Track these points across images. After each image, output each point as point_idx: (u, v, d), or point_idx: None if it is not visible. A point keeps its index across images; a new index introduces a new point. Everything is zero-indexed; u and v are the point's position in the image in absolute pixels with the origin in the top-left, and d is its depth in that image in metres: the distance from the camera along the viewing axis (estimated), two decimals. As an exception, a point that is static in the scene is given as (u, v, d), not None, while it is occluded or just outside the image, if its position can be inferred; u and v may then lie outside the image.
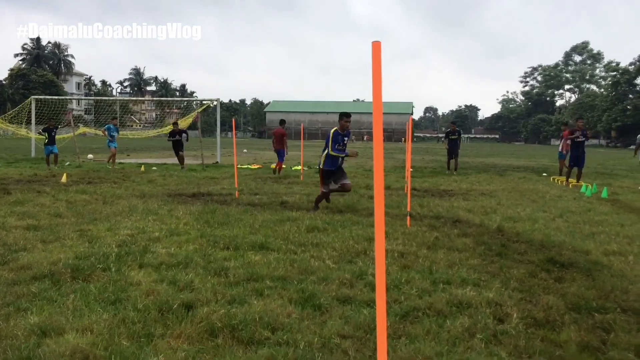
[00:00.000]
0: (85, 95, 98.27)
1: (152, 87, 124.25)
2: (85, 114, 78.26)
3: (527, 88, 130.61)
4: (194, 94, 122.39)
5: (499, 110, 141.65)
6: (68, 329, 3.61)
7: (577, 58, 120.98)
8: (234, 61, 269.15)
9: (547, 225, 8.04)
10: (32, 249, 5.95)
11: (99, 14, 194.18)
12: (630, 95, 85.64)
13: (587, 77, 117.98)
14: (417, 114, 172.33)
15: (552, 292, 4.65)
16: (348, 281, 4.84)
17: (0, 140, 49.23)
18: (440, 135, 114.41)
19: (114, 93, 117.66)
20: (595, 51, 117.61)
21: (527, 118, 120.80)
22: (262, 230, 7.19)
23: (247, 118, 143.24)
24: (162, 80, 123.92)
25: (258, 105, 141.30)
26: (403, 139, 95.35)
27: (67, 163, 20.37)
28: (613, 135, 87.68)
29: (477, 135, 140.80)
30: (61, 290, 4.51)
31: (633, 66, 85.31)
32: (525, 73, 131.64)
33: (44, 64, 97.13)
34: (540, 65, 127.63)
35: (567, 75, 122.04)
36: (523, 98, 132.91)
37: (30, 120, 26.47)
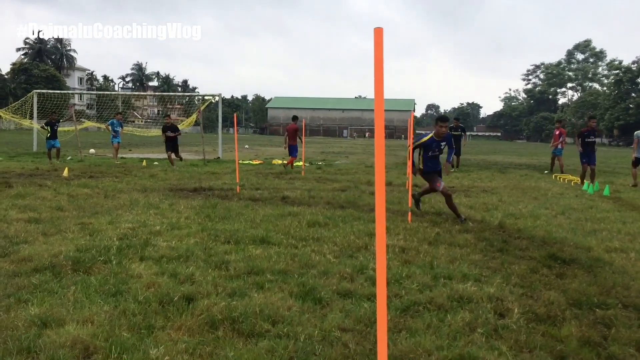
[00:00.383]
0: (87, 91, 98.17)
1: (154, 83, 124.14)
2: (87, 109, 78.28)
3: (529, 86, 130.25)
4: (196, 90, 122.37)
5: (501, 108, 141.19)
6: (68, 320, 3.61)
7: (580, 56, 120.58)
8: (236, 57, 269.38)
9: (548, 222, 8.02)
10: (33, 241, 5.96)
11: (99, 12, 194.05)
12: (633, 94, 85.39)
13: (590, 76, 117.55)
14: (419, 111, 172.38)
15: (553, 288, 4.64)
16: (349, 275, 4.84)
17: (3, 134, 49.27)
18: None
19: (116, 88, 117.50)
20: (597, 49, 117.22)
21: (530, 116, 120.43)
22: (263, 225, 7.19)
23: (249, 114, 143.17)
24: (164, 76, 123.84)
25: (260, 101, 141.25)
26: (403, 136, 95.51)
27: (69, 157, 20.38)
28: (615, 133, 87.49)
29: (479, 133, 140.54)
30: (62, 282, 4.51)
31: (636, 64, 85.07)
32: (528, 71, 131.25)
33: (46, 59, 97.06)
34: (542, 63, 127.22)
35: (570, 73, 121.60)
36: (525, 96, 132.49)
37: (33, 114, 26.48)
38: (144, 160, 19.30)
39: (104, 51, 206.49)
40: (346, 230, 6.90)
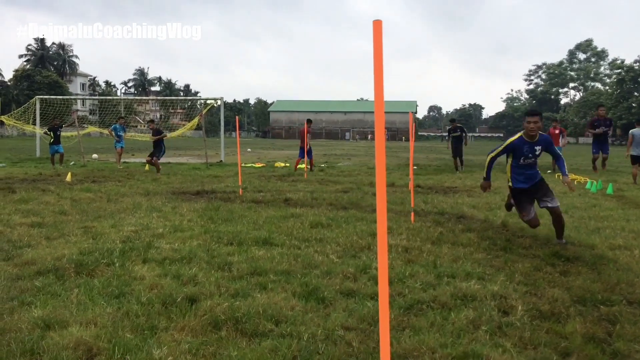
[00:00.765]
0: (90, 96, 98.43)
1: (157, 88, 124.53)
2: (90, 114, 78.42)
3: (531, 86, 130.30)
4: (198, 94, 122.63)
5: (504, 108, 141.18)
6: (72, 322, 3.61)
7: (582, 56, 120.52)
8: (238, 61, 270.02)
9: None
10: (36, 245, 5.97)
11: (99, 13, 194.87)
12: (636, 93, 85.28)
13: (592, 75, 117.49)
14: (421, 113, 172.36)
15: (557, 286, 4.62)
16: (352, 275, 4.83)
17: (6, 140, 49.42)
18: (444, 134, 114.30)
19: (119, 93, 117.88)
20: (599, 49, 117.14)
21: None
22: (265, 226, 7.18)
23: (251, 118, 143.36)
24: (166, 81, 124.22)
25: (262, 105, 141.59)
26: (404, 137, 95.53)
27: (72, 163, 20.43)
28: (618, 132, 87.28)
29: (482, 134, 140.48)
30: (65, 284, 4.51)
31: (638, 63, 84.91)
32: (530, 71, 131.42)
33: (49, 65, 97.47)
34: (544, 64, 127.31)
35: (572, 73, 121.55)
36: (527, 96, 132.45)
37: (35, 120, 26.56)
38: (147, 165, 19.32)
39: (106, 57, 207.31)
40: (349, 231, 6.89)
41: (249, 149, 38.77)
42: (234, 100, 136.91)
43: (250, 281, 4.65)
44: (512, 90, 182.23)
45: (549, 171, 18.61)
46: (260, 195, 10.86)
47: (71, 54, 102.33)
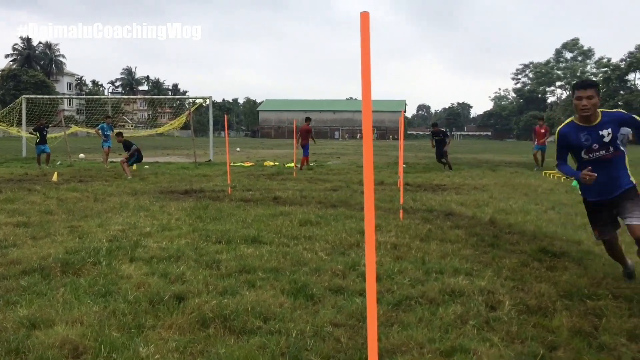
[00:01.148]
0: (77, 96, 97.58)
1: (144, 87, 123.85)
2: (76, 114, 77.85)
3: (518, 85, 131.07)
4: (187, 93, 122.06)
5: (491, 107, 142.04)
6: (58, 321, 3.57)
7: (568, 55, 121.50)
8: (227, 60, 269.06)
9: (539, 217, 8.05)
10: (22, 244, 5.90)
11: (98, 14, 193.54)
12: (622, 92, 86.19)
13: (578, 74, 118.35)
14: (410, 112, 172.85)
15: (544, 281, 4.65)
16: (340, 272, 4.83)
17: (-9, 141, 48.89)
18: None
19: (106, 93, 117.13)
20: (585, 48, 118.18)
21: (519, 115, 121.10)
22: (254, 225, 7.16)
23: (240, 117, 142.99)
24: (154, 80, 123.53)
25: (251, 104, 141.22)
26: (391, 136, 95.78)
27: (59, 162, 20.24)
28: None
29: (470, 133, 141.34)
30: (51, 284, 4.47)
31: (624, 62, 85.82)
32: (517, 70, 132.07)
33: (35, 65, 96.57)
34: (531, 63, 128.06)
35: (559, 72, 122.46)
36: (515, 95, 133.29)
37: (22, 120, 26.28)
38: (134, 164, 19.18)
39: (93, 56, 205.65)
40: (338, 229, 6.89)
41: (238, 148, 38.66)
42: (223, 100, 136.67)
43: (239, 279, 4.63)
44: (499, 89, 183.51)
45: (535, 169, 18.77)
46: (249, 193, 10.83)
47: (58, 53, 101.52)
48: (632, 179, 4.51)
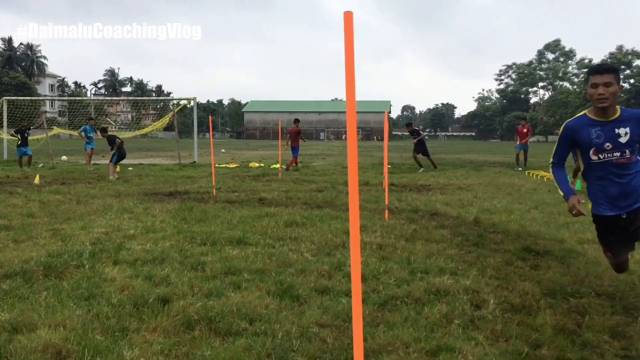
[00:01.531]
0: (59, 97, 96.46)
1: (128, 88, 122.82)
2: (59, 116, 76.89)
3: (502, 86, 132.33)
4: (171, 95, 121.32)
5: (475, 108, 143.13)
6: (40, 325, 3.52)
7: (550, 56, 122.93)
8: (211, 61, 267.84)
9: (522, 216, 8.13)
10: (3, 248, 5.81)
11: (71, 17, 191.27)
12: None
13: (560, 75, 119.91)
14: (395, 113, 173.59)
15: (528, 279, 4.70)
16: (326, 272, 4.83)
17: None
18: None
19: (88, 94, 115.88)
20: (567, 49, 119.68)
21: (503, 115, 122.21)
22: (240, 226, 7.13)
23: (225, 118, 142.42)
24: (137, 81, 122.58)
25: (236, 105, 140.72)
26: (376, 137, 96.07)
27: (41, 165, 19.99)
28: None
29: (454, 133, 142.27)
30: (33, 287, 4.41)
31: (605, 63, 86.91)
32: (500, 71, 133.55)
33: (16, 66, 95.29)
34: (514, 63, 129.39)
35: (541, 72, 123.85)
36: (498, 96, 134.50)
37: (2, 122, 25.90)
38: (118, 166, 19.02)
39: (75, 57, 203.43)
40: (323, 229, 6.89)
41: (222, 150, 38.48)
42: (208, 101, 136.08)
43: (224, 281, 4.61)
44: (483, 89, 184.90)
45: (520, 169, 18.95)
46: (234, 195, 10.79)
47: (39, 54, 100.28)
48: None
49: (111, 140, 15.30)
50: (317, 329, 3.52)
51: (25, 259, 5.17)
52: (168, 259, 5.31)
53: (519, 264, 5.22)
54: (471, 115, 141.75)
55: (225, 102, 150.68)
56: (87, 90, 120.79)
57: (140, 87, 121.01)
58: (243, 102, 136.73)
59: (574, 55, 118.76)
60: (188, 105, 30.41)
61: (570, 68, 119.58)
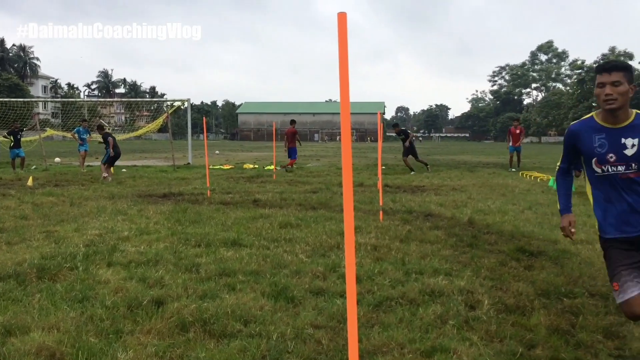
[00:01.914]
0: (52, 99, 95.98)
1: (121, 90, 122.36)
2: (52, 117, 76.51)
3: (495, 87, 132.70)
4: (165, 96, 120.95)
5: (469, 109, 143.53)
6: (34, 328, 3.51)
7: (543, 57, 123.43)
8: (205, 63, 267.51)
9: (516, 217, 8.16)
10: (-4, 250, 5.78)
11: (64, 18, 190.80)
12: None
13: (553, 76, 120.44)
14: (389, 114, 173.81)
15: (522, 280, 4.72)
16: (321, 274, 4.83)
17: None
18: (416, 135, 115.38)
19: (82, 96, 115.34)
20: (560, 50, 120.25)
21: (496, 116, 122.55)
22: (234, 228, 7.12)
23: (219, 120, 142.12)
24: (131, 83, 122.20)
25: (230, 106, 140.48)
26: (370, 138, 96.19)
27: (34, 167, 19.88)
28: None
29: (448, 134, 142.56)
30: (26, 290, 4.38)
31: (598, 64, 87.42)
32: (494, 72, 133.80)
33: (9, 67, 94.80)
34: (507, 65, 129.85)
35: (534, 74, 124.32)
36: (492, 97, 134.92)
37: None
38: (111, 167, 18.94)
39: (68, 58, 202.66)
40: (318, 231, 6.89)
41: (217, 151, 38.41)
42: (202, 102, 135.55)
43: (219, 282, 4.60)
44: (476, 91, 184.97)
45: (513, 169, 19.01)
46: (228, 196, 10.78)
47: (32, 55, 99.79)
48: None
49: (105, 137, 15.24)
50: (312, 330, 3.52)
51: (19, 262, 5.14)
52: (162, 261, 5.29)
53: (513, 265, 5.24)
54: (465, 117, 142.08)
55: (219, 103, 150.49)
56: (81, 91, 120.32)
57: (134, 89, 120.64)
58: (237, 103, 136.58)
59: (567, 56, 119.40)
60: (182, 107, 30.36)
61: (563, 69, 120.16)
